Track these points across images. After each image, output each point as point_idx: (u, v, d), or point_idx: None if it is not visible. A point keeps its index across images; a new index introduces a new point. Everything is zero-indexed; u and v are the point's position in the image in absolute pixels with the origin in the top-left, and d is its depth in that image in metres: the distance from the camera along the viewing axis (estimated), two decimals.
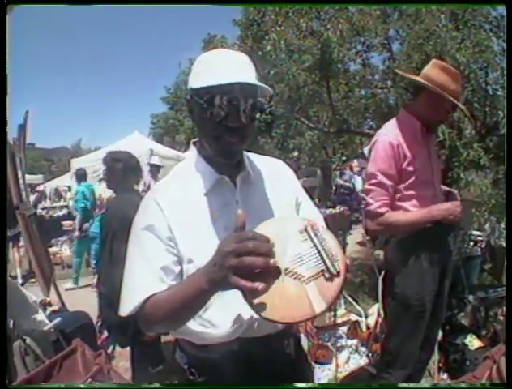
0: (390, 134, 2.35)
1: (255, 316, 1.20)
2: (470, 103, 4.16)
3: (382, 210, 2.30)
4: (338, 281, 0.89)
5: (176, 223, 1.19)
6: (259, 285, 0.84)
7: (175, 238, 1.18)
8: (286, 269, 0.91)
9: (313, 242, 0.94)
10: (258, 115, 1.19)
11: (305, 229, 0.96)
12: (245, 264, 0.85)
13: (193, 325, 1.20)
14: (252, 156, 1.40)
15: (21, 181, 4.16)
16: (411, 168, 2.31)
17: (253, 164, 1.36)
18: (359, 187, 12.60)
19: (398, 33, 4.98)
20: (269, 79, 5.79)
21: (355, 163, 12.80)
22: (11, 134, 4.18)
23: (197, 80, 1.17)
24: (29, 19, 38.50)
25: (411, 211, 2.35)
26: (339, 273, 0.89)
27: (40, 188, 13.60)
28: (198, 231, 1.18)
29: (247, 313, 1.18)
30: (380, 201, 2.30)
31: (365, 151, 7.43)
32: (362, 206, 2.42)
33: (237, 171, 1.28)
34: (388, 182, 2.30)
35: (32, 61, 75.04)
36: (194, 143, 1.35)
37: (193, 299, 1.02)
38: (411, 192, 2.35)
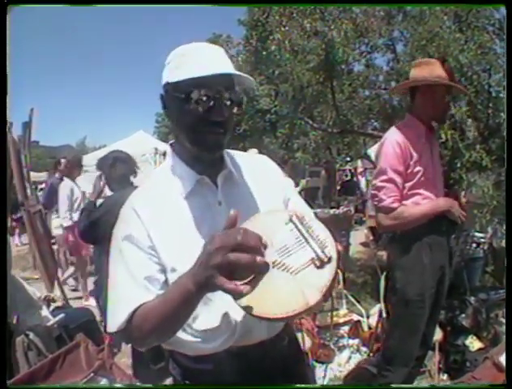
0: (397, 134, 2.43)
1: (247, 324, 1.14)
2: (473, 105, 4.17)
3: (395, 205, 2.38)
4: (330, 268, 0.83)
5: (155, 231, 1.12)
6: (244, 288, 0.80)
7: (155, 247, 1.11)
8: (274, 262, 0.85)
9: (300, 231, 0.88)
10: (237, 108, 1.12)
11: (291, 220, 0.91)
12: (230, 261, 0.80)
13: (184, 336, 1.15)
14: (234, 153, 1.33)
15: (26, 179, 4.19)
16: (416, 168, 2.39)
17: (236, 161, 1.29)
18: (363, 188, 12.65)
19: (402, 34, 4.98)
20: (273, 78, 5.81)
21: (359, 164, 12.79)
22: (16, 131, 4.22)
23: (174, 74, 1.09)
24: (29, 19, 38.54)
25: (422, 204, 2.42)
26: (330, 259, 0.83)
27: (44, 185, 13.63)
28: (179, 238, 1.12)
29: (238, 321, 1.14)
30: (392, 197, 2.38)
31: (369, 152, 7.42)
32: (375, 202, 2.49)
33: (218, 170, 1.20)
34: (398, 179, 2.38)
35: (33, 61, 75.20)
36: (171, 145, 1.27)
37: (180, 303, 0.97)
38: (415, 191, 2.42)
